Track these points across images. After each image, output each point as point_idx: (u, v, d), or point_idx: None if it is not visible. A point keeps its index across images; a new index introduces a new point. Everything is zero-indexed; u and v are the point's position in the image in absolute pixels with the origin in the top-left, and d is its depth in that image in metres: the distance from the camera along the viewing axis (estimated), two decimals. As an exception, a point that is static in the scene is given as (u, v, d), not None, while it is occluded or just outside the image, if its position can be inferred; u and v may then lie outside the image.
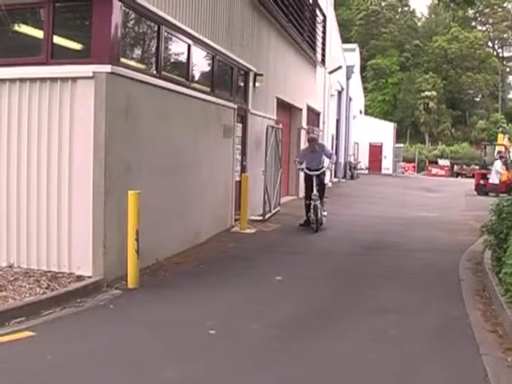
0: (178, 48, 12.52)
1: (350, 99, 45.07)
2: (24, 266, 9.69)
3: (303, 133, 26.04)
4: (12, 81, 9.77)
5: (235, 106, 15.98)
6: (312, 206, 16.09)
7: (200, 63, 13.96)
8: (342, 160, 42.20)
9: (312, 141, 17.16)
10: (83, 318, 7.97)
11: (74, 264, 9.50)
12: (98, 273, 9.34)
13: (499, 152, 34.53)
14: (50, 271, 9.47)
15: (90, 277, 9.30)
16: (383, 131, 57.63)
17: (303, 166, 16.97)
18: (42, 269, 9.57)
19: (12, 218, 9.86)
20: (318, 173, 16.52)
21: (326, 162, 17.29)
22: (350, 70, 42.75)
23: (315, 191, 16.26)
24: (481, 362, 6.60)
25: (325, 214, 16.85)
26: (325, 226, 16.48)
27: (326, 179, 19.17)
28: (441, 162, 63.94)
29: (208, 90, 14.05)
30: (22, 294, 8.28)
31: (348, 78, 42.67)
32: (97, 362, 6.45)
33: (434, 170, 60.52)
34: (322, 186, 16.70)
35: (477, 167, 42.36)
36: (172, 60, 12.54)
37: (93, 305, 8.53)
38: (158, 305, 8.64)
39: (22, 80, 9.72)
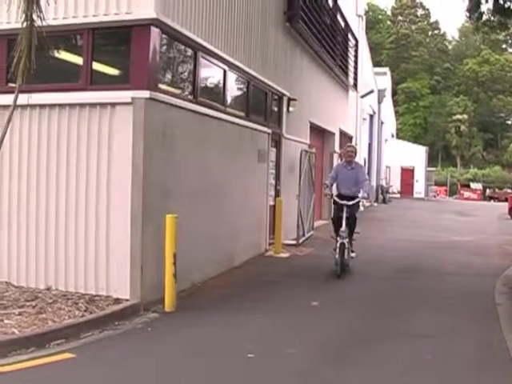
0: (213, 73, 12.64)
1: (382, 123, 45.09)
2: (62, 289, 9.82)
3: (336, 157, 26.07)
4: (52, 106, 9.98)
5: (269, 131, 16.06)
6: (338, 245, 12.93)
7: (235, 88, 14.09)
8: (374, 184, 42.09)
9: (350, 153, 14.00)
10: (122, 340, 8.05)
11: (111, 287, 9.60)
12: (135, 296, 9.41)
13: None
14: (87, 294, 9.58)
15: (127, 300, 9.38)
16: (415, 155, 57.42)
17: (332, 190, 13.93)
18: (79, 291, 9.68)
19: (50, 241, 10.01)
20: (349, 203, 13.25)
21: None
22: (381, 93, 42.81)
23: (344, 226, 13.08)
24: (521, 388, 6.56)
25: (353, 255, 13.81)
26: (355, 260, 13.90)
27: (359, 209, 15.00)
28: (473, 185, 63.50)
29: (243, 114, 14.16)
30: (61, 317, 8.37)
31: (379, 102, 42.71)
32: (137, 384, 6.51)
33: (466, 194, 60.09)
34: (352, 220, 13.52)
35: (509, 190, 41.99)
36: (208, 85, 12.65)
37: (131, 328, 8.60)
38: (195, 328, 8.67)
39: (61, 105, 9.91)
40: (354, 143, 31.99)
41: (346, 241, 12.95)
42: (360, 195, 13.54)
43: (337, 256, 12.87)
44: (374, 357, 7.66)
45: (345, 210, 13.18)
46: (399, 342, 8.31)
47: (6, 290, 9.72)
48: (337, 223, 13.40)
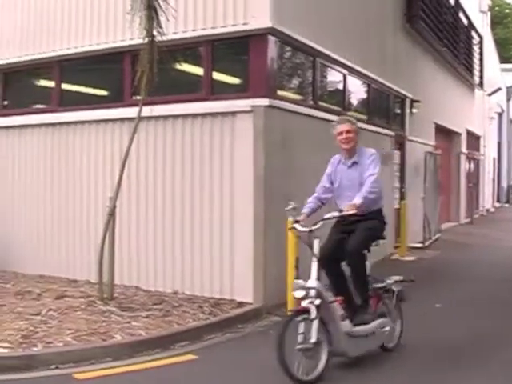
0: (332, 78, 12.70)
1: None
2: (188, 293, 10.12)
3: (463, 158, 25.56)
4: (175, 117, 10.32)
5: (393, 134, 15.97)
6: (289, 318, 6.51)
7: (355, 92, 14.08)
8: (504, 184, 41.03)
9: (345, 136, 7.40)
10: (243, 343, 8.24)
11: (235, 291, 9.82)
12: (258, 300, 9.59)
13: None
14: (212, 298, 9.84)
15: (250, 303, 9.58)
16: (549, 153, 55.35)
17: (305, 213, 7.41)
18: (204, 295, 9.96)
19: (177, 247, 10.36)
20: (315, 227, 6.80)
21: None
22: (510, 90, 41.62)
23: (313, 277, 6.51)
24: None
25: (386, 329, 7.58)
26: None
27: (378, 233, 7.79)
28: None
29: (365, 118, 14.11)
30: (185, 319, 8.63)
31: (508, 100, 41.52)
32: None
33: None
34: (352, 261, 7.04)
35: None
36: (327, 90, 12.72)
37: (253, 331, 8.77)
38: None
39: (184, 116, 10.24)
40: (481, 143, 31.26)
41: (312, 306, 6.29)
42: (357, 202, 7.23)
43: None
44: (491, 361, 7.41)
45: (315, 241, 6.77)
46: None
47: (135, 294, 10.11)
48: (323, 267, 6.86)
